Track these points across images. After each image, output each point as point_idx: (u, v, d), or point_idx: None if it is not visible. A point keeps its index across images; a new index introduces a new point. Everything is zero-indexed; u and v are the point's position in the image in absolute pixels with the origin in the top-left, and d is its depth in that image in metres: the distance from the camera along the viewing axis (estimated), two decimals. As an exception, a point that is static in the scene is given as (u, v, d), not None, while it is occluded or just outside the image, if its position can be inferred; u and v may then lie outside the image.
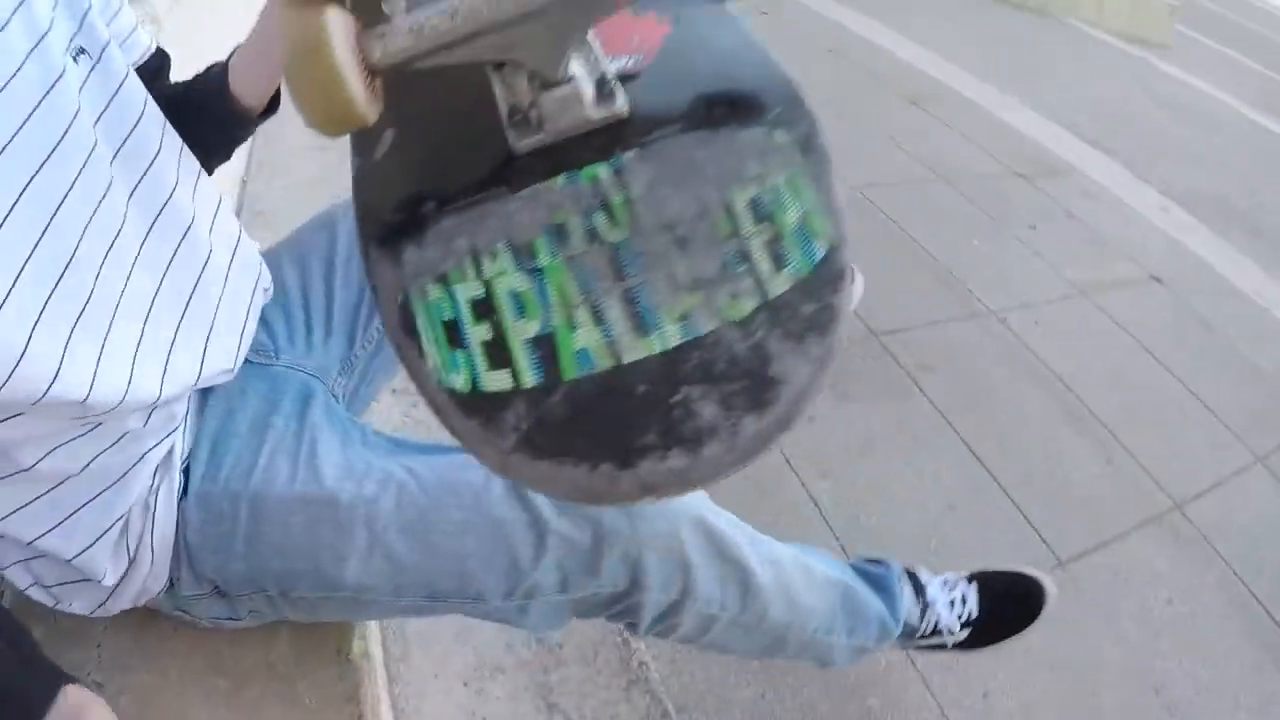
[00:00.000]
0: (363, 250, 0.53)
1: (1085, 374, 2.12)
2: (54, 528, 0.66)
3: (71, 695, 0.64)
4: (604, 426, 0.43)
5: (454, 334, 0.48)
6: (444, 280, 0.49)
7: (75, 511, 0.66)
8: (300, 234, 0.96)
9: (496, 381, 0.46)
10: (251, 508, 0.74)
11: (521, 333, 0.47)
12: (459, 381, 0.46)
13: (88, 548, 0.68)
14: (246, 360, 0.81)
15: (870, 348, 2.10)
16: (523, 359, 0.46)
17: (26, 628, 0.69)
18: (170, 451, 0.72)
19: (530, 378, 0.45)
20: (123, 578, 0.73)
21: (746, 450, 0.41)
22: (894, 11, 5.24)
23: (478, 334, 0.47)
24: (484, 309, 0.48)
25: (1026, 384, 2.06)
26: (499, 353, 0.47)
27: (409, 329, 0.49)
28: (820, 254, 0.46)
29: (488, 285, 0.48)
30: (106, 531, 0.68)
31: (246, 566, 0.75)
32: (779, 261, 0.46)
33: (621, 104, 0.53)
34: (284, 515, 0.74)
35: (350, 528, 0.73)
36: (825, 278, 0.45)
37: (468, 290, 0.48)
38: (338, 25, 0.46)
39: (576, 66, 0.52)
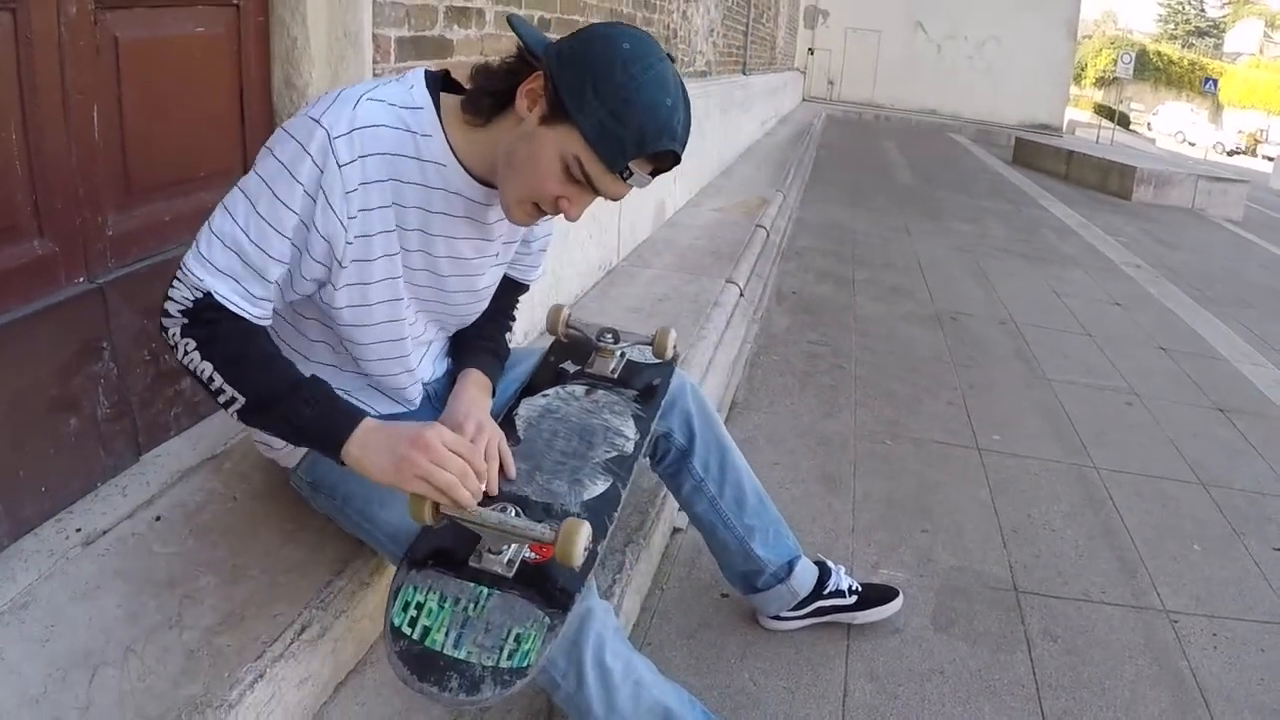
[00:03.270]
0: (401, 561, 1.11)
1: (1252, 711, 1.74)
2: None
3: (366, 424, 1.04)
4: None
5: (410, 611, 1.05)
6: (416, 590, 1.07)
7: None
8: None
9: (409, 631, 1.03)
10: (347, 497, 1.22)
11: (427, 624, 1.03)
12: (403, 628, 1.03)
13: None
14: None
15: (1004, 601, 2.00)
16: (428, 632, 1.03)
17: (324, 383, 1.07)
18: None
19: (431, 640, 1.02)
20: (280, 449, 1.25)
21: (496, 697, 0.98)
22: (1261, 321, 4.89)
23: (414, 616, 1.04)
24: (418, 610, 1.04)
25: (1159, 692, 1.75)
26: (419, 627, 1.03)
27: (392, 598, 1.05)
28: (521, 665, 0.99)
29: (425, 603, 1.05)
30: None
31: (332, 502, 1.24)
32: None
33: (507, 572, 1.08)
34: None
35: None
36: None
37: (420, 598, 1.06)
38: (431, 507, 1.04)
39: (509, 551, 1.08)
